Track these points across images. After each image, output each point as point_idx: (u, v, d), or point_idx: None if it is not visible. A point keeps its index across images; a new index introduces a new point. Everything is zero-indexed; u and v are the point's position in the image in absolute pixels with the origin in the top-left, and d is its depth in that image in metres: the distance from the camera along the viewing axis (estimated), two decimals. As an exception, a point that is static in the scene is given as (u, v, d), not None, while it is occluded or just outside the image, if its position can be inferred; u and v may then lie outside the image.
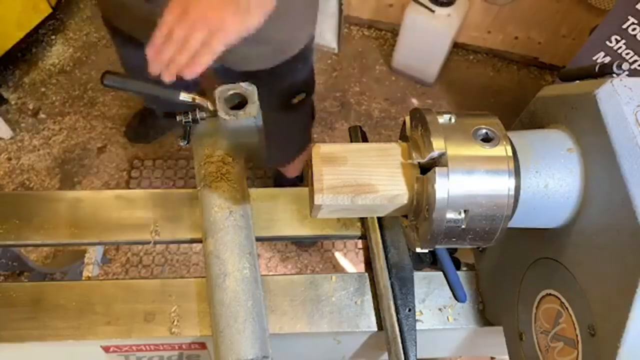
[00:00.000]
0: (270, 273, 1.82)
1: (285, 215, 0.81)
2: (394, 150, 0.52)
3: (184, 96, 0.68)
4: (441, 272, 0.77)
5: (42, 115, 2.12)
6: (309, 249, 1.88)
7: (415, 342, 0.68)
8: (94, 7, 2.41)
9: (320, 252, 1.88)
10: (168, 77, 0.63)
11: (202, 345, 0.75)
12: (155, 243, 0.79)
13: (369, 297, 0.75)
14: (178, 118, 0.70)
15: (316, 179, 0.49)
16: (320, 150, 0.51)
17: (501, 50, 2.42)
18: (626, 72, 0.49)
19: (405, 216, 0.53)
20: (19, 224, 0.77)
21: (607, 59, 1.56)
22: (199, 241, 0.75)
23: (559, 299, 0.52)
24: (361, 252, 1.82)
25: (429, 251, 0.78)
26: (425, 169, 0.48)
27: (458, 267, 0.78)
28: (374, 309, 0.74)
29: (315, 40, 1.13)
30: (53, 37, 2.34)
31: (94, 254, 0.89)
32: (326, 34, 2.31)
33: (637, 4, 1.41)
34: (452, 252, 0.79)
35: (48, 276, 1.27)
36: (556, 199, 0.50)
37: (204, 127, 0.74)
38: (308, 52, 1.10)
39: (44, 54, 2.29)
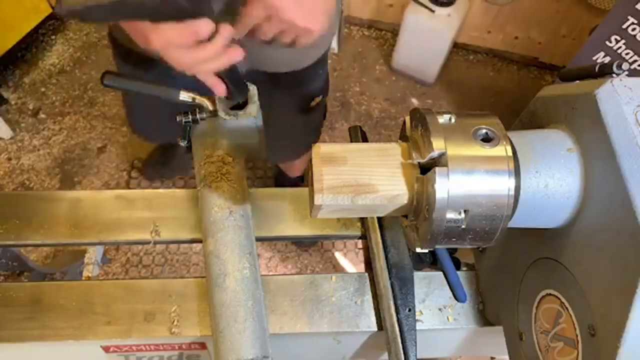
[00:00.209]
0: (270, 273, 1.82)
1: (285, 215, 0.81)
2: (394, 150, 0.52)
3: (184, 96, 0.68)
4: (441, 272, 0.77)
5: (42, 115, 2.12)
6: (309, 249, 1.88)
7: (415, 342, 0.68)
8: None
9: (320, 252, 1.88)
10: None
11: (202, 345, 0.75)
12: (155, 243, 0.79)
13: (369, 297, 0.75)
14: (178, 118, 0.70)
15: (316, 179, 0.49)
16: (320, 150, 0.51)
17: (501, 50, 2.42)
18: (626, 72, 0.49)
19: (405, 216, 0.53)
20: (19, 224, 0.77)
21: (607, 59, 1.56)
22: (199, 241, 0.75)
23: (559, 299, 0.52)
24: (361, 252, 1.82)
25: (429, 251, 0.78)
26: (425, 169, 0.48)
27: (458, 267, 0.78)
28: (374, 309, 0.74)
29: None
30: (53, 37, 2.34)
31: (94, 254, 0.89)
32: (326, 34, 2.30)
33: (637, 4, 1.40)
34: (452, 252, 0.79)
35: (48, 276, 1.27)
36: (556, 199, 0.50)
37: (204, 127, 0.74)
38: (327, 55, 1.11)
39: (44, 54, 2.29)
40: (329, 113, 2.23)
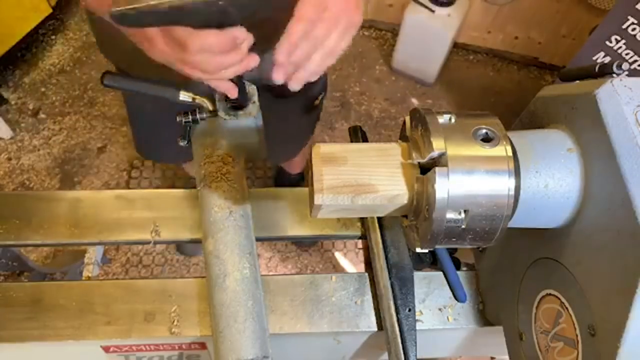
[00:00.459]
0: (270, 273, 1.82)
1: (285, 215, 0.81)
2: (394, 150, 0.52)
3: (184, 96, 0.68)
4: (441, 272, 0.77)
5: (42, 115, 2.12)
6: (309, 249, 1.88)
7: (415, 342, 0.68)
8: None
9: (320, 252, 1.88)
10: (296, 85, 0.56)
11: (202, 345, 0.75)
12: (155, 243, 0.79)
13: (369, 297, 0.75)
14: (178, 118, 0.70)
15: (316, 179, 0.49)
16: (320, 150, 0.51)
17: (501, 50, 2.42)
18: (626, 72, 0.49)
19: (405, 216, 0.53)
20: (19, 224, 0.77)
21: (607, 59, 1.56)
22: (199, 241, 0.75)
23: (559, 299, 0.52)
24: (361, 252, 1.82)
25: (429, 251, 0.78)
26: (425, 169, 0.48)
27: (458, 267, 0.78)
28: (374, 309, 0.74)
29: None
30: (53, 37, 2.34)
31: (94, 254, 0.89)
32: (326, 34, 2.30)
33: (637, 4, 1.40)
34: (452, 252, 0.79)
35: (48, 276, 1.27)
36: (556, 199, 0.50)
37: (204, 127, 0.74)
38: None
39: (44, 54, 2.29)
40: (329, 113, 2.23)
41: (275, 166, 2.01)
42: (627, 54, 1.50)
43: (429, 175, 0.47)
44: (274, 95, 0.62)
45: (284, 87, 0.56)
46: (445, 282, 0.77)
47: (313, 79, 0.58)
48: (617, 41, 1.50)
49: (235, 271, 0.66)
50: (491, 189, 0.46)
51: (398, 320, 0.70)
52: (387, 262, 0.74)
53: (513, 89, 2.38)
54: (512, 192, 0.46)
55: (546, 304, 0.55)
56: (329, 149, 0.51)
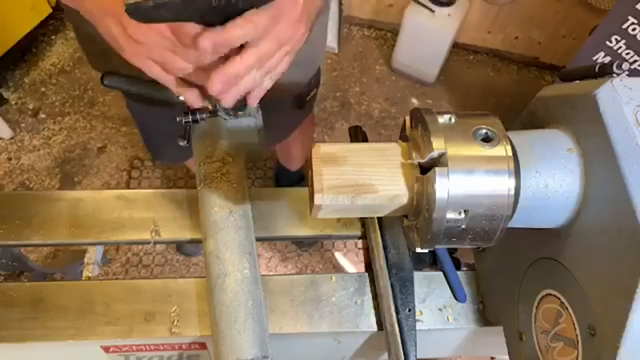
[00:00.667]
0: (270, 273, 1.82)
1: (285, 215, 0.81)
2: (394, 150, 0.52)
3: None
4: (441, 272, 0.77)
5: (42, 115, 2.12)
6: (309, 249, 1.88)
7: (415, 342, 0.68)
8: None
9: (320, 252, 1.88)
10: (232, 100, 0.54)
11: (202, 345, 0.75)
12: (155, 243, 0.79)
13: (369, 297, 0.75)
14: (178, 118, 0.70)
15: (316, 179, 0.49)
16: (320, 150, 0.51)
17: (501, 50, 2.42)
18: (626, 72, 0.49)
19: (405, 216, 0.53)
20: (19, 224, 0.77)
21: (607, 59, 1.56)
22: (199, 241, 0.75)
23: (559, 299, 0.52)
24: (361, 252, 1.82)
25: (429, 251, 0.78)
26: (426, 169, 0.48)
27: (458, 267, 0.78)
28: (374, 309, 0.74)
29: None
30: (53, 37, 2.34)
31: (94, 254, 0.89)
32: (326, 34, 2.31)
33: (637, 4, 1.40)
34: (452, 252, 0.79)
35: (48, 276, 1.27)
36: (556, 199, 0.50)
37: (204, 127, 0.74)
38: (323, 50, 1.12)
39: (44, 54, 2.29)
40: (329, 113, 2.23)
41: (275, 166, 2.01)
42: (627, 54, 1.50)
43: (429, 175, 0.47)
44: (271, 95, 0.61)
45: (280, 88, 0.55)
46: (445, 282, 0.77)
47: (254, 102, 0.57)
48: (617, 41, 1.50)
49: (235, 271, 0.66)
50: (491, 189, 0.46)
51: (398, 320, 0.70)
52: (387, 262, 0.74)
53: (513, 89, 2.38)
54: (512, 192, 0.46)
55: (546, 304, 0.55)
56: (329, 149, 0.51)
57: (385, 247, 0.75)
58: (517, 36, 2.32)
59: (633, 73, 1.51)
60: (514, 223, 0.52)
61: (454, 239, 0.49)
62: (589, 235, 0.48)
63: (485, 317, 0.74)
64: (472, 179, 0.46)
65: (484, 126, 0.48)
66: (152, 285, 0.74)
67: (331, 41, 2.35)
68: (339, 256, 1.89)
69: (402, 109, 2.26)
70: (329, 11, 1.09)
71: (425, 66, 2.28)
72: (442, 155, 0.46)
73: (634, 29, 1.45)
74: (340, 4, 2.13)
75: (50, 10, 2.18)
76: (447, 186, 0.45)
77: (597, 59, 1.58)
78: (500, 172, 0.46)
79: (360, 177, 0.50)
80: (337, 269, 1.86)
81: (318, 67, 1.11)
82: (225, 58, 0.51)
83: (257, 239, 0.75)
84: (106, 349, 0.73)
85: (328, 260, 1.87)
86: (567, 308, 0.51)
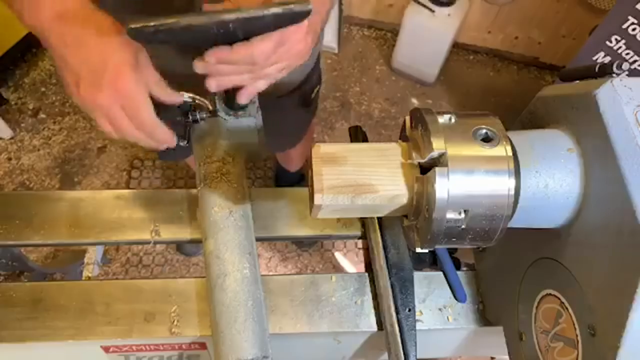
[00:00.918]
0: (270, 273, 1.82)
1: (285, 215, 0.81)
2: (394, 150, 0.52)
3: (184, 96, 0.68)
4: (441, 272, 0.77)
5: (42, 115, 2.12)
6: (309, 249, 1.88)
7: (415, 342, 0.68)
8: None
9: (320, 252, 1.88)
10: (212, 87, 0.55)
11: (202, 345, 0.75)
12: (155, 243, 0.79)
13: (369, 297, 0.75)
14: (178, 119, 0.70)
15: (316, 179, 0.49)
16: (320, 150, 0.51)
17: (501, 50, 2.42)
18: (626, 72, 0.49)
19: (405, 216, 0.53)
20: (19, 224, 0.77)
21: (607, 59, 1.56)
22: (199, 241, 0.75)
23: (559, 299, 0.52)
24: (361, 252, 1.82)
25: (429, 251, 0.78)
26: (426, 169, 0.48)
27: (458, 267, 0.78)
28: (374, 309, 0.74)
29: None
30: (53, 37, 2.34)
31: (94, 254, 0.89)
32: (326, 34, 2.31)
33: (637, 4, 1.40)
34: (452, 252, 0.79)
35: (48, 276, 1.27)
36: (556, 199, 0.50)
37: (204, 127, 0.74)
38: (320, 48, 1.12)
39: (44, 54, 2.29)
40: (329, 113, 2.23)
41: (274, 165, 2.01)
42: (627, 54, 1.50)
43: (429, 175, 0.47)
44: (270, 92, 0.62)
45: (279, 85, 0.55)
46: (445, 282, 0.77)
47: (242, 100, 0.58)
48: (617, 41, 1.50)
49: (235, 271, 0.66)
50: (491, 189, 0.46)
51: (398, 320, 0.70)
52: (387, 262, 0.74)
53: (513, 89, 2.38)
54: (512, 192, 0.46)
55: (546, 304, 0.55)
56: (329, 149, 0.51)
57: (385, 247, 0.75)
58: (517, 36, 2.32)
59: (633, 73, 1.51)
60: (514, 223, 0.52)
61: (454, 239, 0.49)
62: (589, 235, 0.48)
63: (485, 317, 0.74)
64: (472, 179, 0.46)
65: (484, 126, 0.48)
66: (152, 285, 0.74)
67: (331, 41, 2.35)
68: (339, 256, 1.89)
69: (402, 109, 2.26)
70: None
71: (425, 66, 2.28)
72: (442, 155, 0.46)
73: (634, 29, 1.45)
74: (340, 4, 2.13)
75: (50, 10, 2.18)
76: (447, 186, 0.45)
77: (597, 59, 1.58)
78: (500, 172, 0.46)
79: (360, 177, 0.50)
80: (337, 269, 1.86)
81: (317, 62, 1.10)
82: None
83: (257, 239, 0.75)
84: (106, 349, 0.73)
85: (328, 260, 1.87)
86: (567, 308, 0.51)
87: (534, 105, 0.59)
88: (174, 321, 0.71)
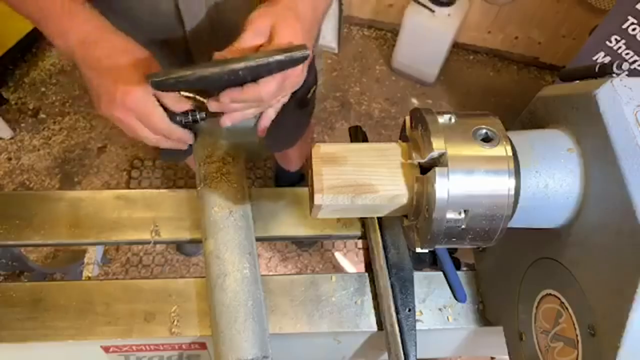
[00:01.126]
0: (270, 273, 1.82)
1: (285, 215, 0.81)
2: (394, 150, 0.52)
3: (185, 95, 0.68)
4: (441, 272, 0.77)
5: (42, 115, 2.12)
6: (309, 249, 1.88)
7: (415, 342, 0.68)
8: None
9: (320, 252, 1.88)
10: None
11: (202, 345, 0.75)
12: (155, 243, 0.79)
13: (369, 297, 0.75)
14: (178, 118, 0.70)
15: (316, 179, 0.49)
16: (320, 150, 0.51)
17: (501, 50, 2.42)
18: (626, 72, 0.49)
19: (405, 216, 0.53)
20: (19, 224, 0.77)
21: (607, 59, 1.56)
22: (199, 241, 0.75)
23: (559, 299, 0.52)
24: (361, 252, 1.82)
25: (429, 251, 0.78)
26: (426, 169, 0.48)
27: (458, 267, 0.78)
28: (374, 309, 0.74)
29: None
30: (53, 37, 2.34)
31: (94, 254, 0.89)
32: (326, 34, 2.31)
33: (637, 4, 1.40)
34: (452, 252, 0.79)
35: (48, 276, 1.27)
36: (556, 199, 0.50)
37: (204, 127, 0.74)
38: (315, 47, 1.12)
39: (44, 54, 2.29)
40: (329, 113, 2.23)
41: (275, 166, 2.01)
42: (627, 54, 1.50)
43: (429, 175, 0.47)
44: None
45: None
46: (445, 282, 0.77)
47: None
48: (617, 41, 1.50)
49: (235, 271, 0.66)
50: (491, 189, 0.46)
51: (398, 320, 0.70)
52: (387, 262, 0.74)
53: (513, 89, 2.38)
54: (512, 192, 0.46)
55: (546, 304, 0.55)
56: (329, 149, 0.51)
57: (385, 247, 0.75)
58: (517, 36, 2.32)
59: (633, 73, 1.51)
60: (514, 223, 0.52)
61: (454, 239, 0.49)
62: (589, 235, 0.48)
63: (485, 317, 0.74)
64: (472, 179, 0.46)
65: (484, 126, 0.48)
66: (152, 285, 0.74)
67: (331, 41, 2.35)
68: (339, 256, 1.89)
69: (402, 109, 2.26)
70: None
71: (425, 66, 2.28)
72: (442, 155, 0.46)
73: (634, 29, 1.45)
74: (340, 4, 2.13)
75: (50, 10, 2.18)
76: (447, 186, 0.45)
77: (597, 59, 1.58)
78: (500, 172, 0.46)
79: (360, 177, 0.50)
80: (337, 269, 1.86)
81: (312, 63, 1.10)
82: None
83: (257, 239, 0.75)
84: (106, 349, 0.73)
85: (328, 260, 1.87)
86: (567, 308, 0.51)
87: (534, 105, 0.59)
88: (174, 321, 0.71)
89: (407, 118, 0.53)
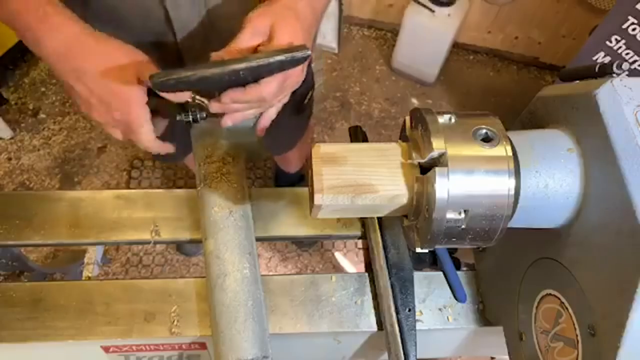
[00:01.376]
0: (270, 273, 1.82)
1: (285, 215, 0.81)
2: (394, 150, 0.52)
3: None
4: (441, 272, 0.77)
5: (42, 115, 2.12)
6: (309, 249, 1.88)
7: (415, 342, 0.68)
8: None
9: (320, 252, 1.88)
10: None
11: (202, 345, 0.75)
12: (155, 243, 0.79)
13: (369, 297, 0.75)
14: (178, 118, 0.70)
15: (316, 179, 0.49)
16: (320, 150, 0.51)
17: (501, 50, 2.42)
18: (626, 72, 0.49)
19: (405, 216, 0.53)
20: (19, 224, 0.77)
21: (607, 59, 1.56)
22: (199, 241, 0.75)
23: (559, 299, 0.52)
24: (361, 252, 1.82)
25: (429, 251, 0.78)
26: (426, 169, 0.48)
27: (458, 267, 0.78)
28: (374, 309, 0.74)
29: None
30: (53, 37, 2.34)
31: (94, 254, 0.89)
32: (326, 34, 2.31)
33: (637, 4, 1.40)
34: (452, 252, 0.79)
35: (48, 276, 1.27)
36: (556, 199, 0.50)
37: (204, 127, 0.74)
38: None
39: (44, 54, 2.29)
40: (329, 113, 2.23)
41: (274, 166, 2.01)
42: (627, 54, 1.50)
43: (429, 175, 0.47)
44: None
45: None
46: (445, 282, 0.77)
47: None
48: (617, 41, 1.50)
49: (235, 271, 0.66)
50: (491, 189, 0.46)
51: (398, 320, 0.70)
52: (387, 262, 0.74)
53: (513, 89, 2.38)
54: (512, 192, 0.46)
55: (546, 304, 0.55)
56: (329, 149, 0.51)
57: (385, 247, 0.75)
58: (517, 36, 2.32)
59: (633, 73, 1.51)
60: (514, 223, 0.52)
61: (454, 239, 0.49)
62: (589, 235, 0.48)
63: (485, 317, 0.74)
64: (472, 179, 0.46)
65: (484, 126, 0.48)
66: (152, 285, 0.74)
67: (331, 41, 2.35)
68: (339, 256, 1.89)
69: (402, 109, 2.26)
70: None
71: (425, 66, 2.28)
72: (442, 155, 0.46)
73: (634, 29, 1.45)
74: (340, 4, 2.13)
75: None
76: (447, 186, 0.45)
77: (597, 59, 1.58)
78: (500, 172, 0.46)
79: (360, 177, 0.50)
80: (337, 269, 1.86)
81: (308, 66, 1.10)
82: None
83: (257, 239, 0.75)
84: (106, 349, 0.73)
85: (328, 260, 1.87)
86: (567, 308, 0.51)
87: (534, 105, 0.59)
88: (174, 321, 0.71)
89: (407, 118, 0.53)
